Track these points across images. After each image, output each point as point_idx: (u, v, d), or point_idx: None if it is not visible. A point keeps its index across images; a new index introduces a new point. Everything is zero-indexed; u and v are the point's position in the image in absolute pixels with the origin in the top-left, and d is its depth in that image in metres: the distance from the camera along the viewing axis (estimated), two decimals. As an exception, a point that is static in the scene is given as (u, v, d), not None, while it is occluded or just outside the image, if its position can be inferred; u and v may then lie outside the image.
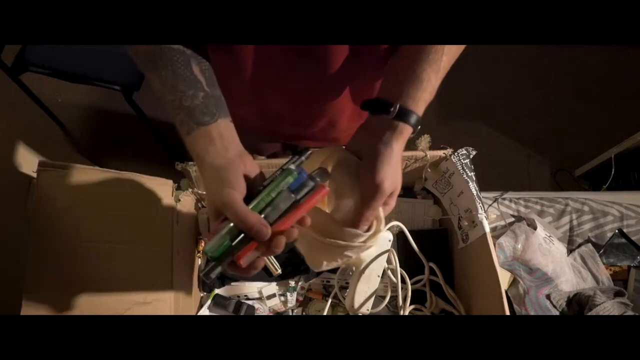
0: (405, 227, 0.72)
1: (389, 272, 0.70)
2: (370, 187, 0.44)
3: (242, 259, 0.38)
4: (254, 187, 0.42)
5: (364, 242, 0.46)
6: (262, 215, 0.39)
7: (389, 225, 0.71)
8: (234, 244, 0.38)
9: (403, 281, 0.70)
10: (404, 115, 0.45)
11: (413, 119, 0.45)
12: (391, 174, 0.44)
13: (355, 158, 0.47)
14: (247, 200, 0.40)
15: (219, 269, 0.38)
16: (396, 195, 0.47)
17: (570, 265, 0.82)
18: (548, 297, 0.76)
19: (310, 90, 0.61)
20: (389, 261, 0.70)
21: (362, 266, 0.65)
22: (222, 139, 0.43)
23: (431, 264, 0.72)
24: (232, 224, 0.38)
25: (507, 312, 0.58)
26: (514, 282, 0.78)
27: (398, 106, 0.45)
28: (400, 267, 0.70)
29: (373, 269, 0.66)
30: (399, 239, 0.74)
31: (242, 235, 0.38)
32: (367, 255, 0.64)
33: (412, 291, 0.70)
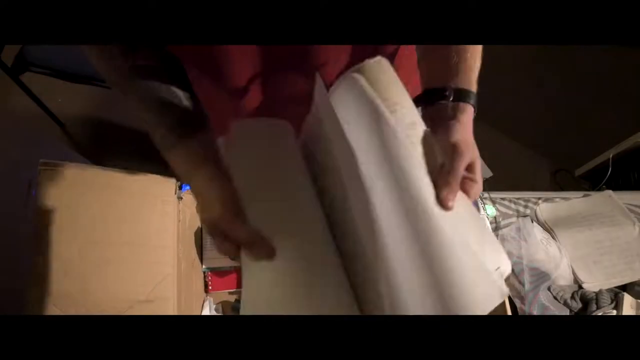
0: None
1: None
2: (446, 149, 0.39)
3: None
4: None
5: None
6: None
7: None
8: None
9: None
10: (462, 95, 0.42)
11: (472, 97, 0.42)
12: (466, 139, 0.40)
13: None
14: None
15: None
16: (478, 169, 0.41)
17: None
18: (549, 289, 0.76)
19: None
20: None
21: None
22: (207, 152, 0.42)
23: None
24: None
25: (509, 312, 0.58)
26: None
27: (452, 87, 0.42)
28: None
29: None
30: None
31: None
32: None
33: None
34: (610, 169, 1.37)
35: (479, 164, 0.41)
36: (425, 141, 0.39)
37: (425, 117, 0.44)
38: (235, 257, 0.39)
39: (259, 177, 0.41)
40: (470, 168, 0.40)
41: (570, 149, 1.77)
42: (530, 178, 1.76)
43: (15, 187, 0.73)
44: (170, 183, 0.69)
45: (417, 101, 0.45)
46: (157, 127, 0.42)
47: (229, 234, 0.37)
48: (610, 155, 1.46)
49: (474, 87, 0.43)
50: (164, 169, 0.69)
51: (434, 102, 0.44)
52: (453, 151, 0.39)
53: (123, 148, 1.68)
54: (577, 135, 1.80)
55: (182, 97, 0.44)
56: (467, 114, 0.42)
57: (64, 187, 0.61)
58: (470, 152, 0.40)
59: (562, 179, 1.75)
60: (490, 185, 0.87)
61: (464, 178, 0.39)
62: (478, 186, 0.40)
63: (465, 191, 0.39)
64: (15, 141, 0.80)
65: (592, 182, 1.68)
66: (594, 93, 1.88)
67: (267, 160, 0.43)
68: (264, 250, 0.37)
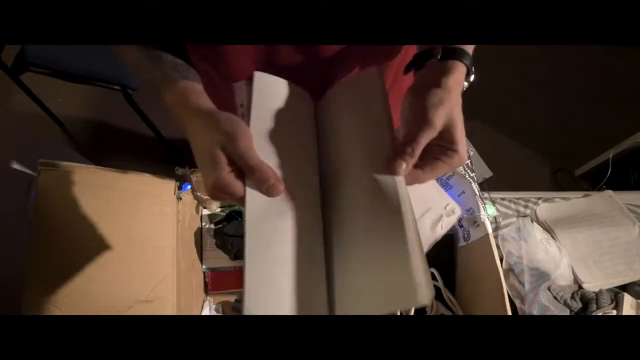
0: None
1: None
2: (417, 116, 0.37)
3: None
4: None
5: None
6: None
7: None
8: None
9: None
10: (451, 53, 0.39)
11: (464, 56, 0.39)
12: (444, 106, 0.37)
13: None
14: None
15: None
16: (459, 138, 0.38)
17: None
18: (549, 289, 0.76)
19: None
20: None
21: None
22: (205, 94, 0.42)
23: (432, 270, 0.72)
24: None
25: (509, 312, 0.58)
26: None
27: (442, 47, 0.40)
28: None
29: None
30: None
31: None
32: None
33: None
34: (610, 169, 1.37)
35: (459, 132, 0.38)
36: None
37: (415, 85, 0.41)
38: (236, 197, 0.36)
39: (273, 130, 0.41)
40: (449, 136, 0.37)
41: (570, 149, 1.77)
42: (530, 178, 1.76)
43: (15, 187, 0.73)
44: (170, 183, 0.69)
45: (407, 68, 0.44)
46: (156, 68, 0.43)
47: (238, 156, 0.35)
48: (610, 155, 1.46)
49: (468, 49, 0.41)
50: (164, 169, 0.69)
51: (422, 64, 0.41)
52: (423, 121, 0.36)
53: (123, 148, 1.68)
54: (577, 135, 1.80)
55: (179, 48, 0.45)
56: (455, 76, 0.39)
57: (63, 187, 0.61)
58: (442, 121, 0.37)
59: (562, 179, 1.75)
60: (490, 185, 0.87)
61: (438, 147, 0.38)
62: (459, 156, 0.38)
63: (442, 161, 0.38)
64: (15, 141, 0.80)
65: (592, 182, 1.68)
66: (594, 93, 1.88)
67: (284, 115, 0.43)
68: (272, 174, 0.36)
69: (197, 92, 0.42)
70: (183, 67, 0.43)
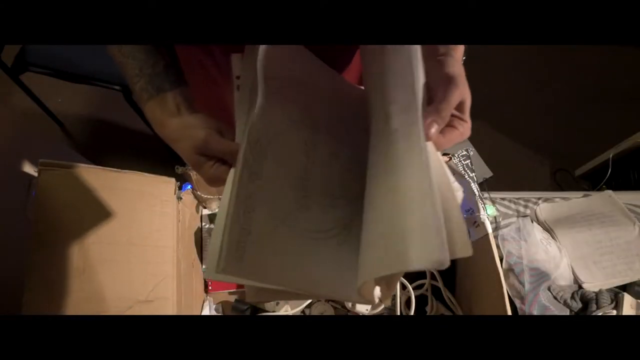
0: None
1: None
2: (441, 81, 0.37)
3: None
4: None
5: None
6: None
7: None
8: None
9: (404, 286, 0.70)
10: None
11: None
12: (461, 73, 0.38)
13: None
14: None
15: None
16: (468, 109, 0.39)
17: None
18: (549, 289, 0.76)
19: None
20: None
21: None
22: (185, 103, 0.43)
23: (432, 270, 0.72)
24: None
25: (509, 312, 0.58)
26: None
27: None
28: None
29: None
30: None
31: None
32: None
33: (415, 296, 0.70)
34: (610, 169, 1.37)
35: (468, 103, 0.39)
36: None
37: (428, 54, 0.41)
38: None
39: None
40: (460, 107, 0.39)
41: (570, 149, 1.77)
42: (530, 178, 1.76)
43: (15, 187, 0.73)
44: (170, 183, 0.69)
45: None
46: (137, 78, 0.43)
47: (219, 149, 0.38)
48: (610, 155, 1.46)
49: None
50: (164, 170, 0.69)
51: None
52: (448, 82, 0.37)
53: (123, 148, 1.68)
54: (577, 135, 1.80)
55: (164, 52, 0.45)
56: (459, 50, 0.41)
57: (63, 187, 0.61)
58: (464, 86, 0.38)
59: (562, 179, 1.75)
60: (490, 185, 0.87)
61: (453, 116, 0.38)
62: (467, 125, 0.39)
63: (454, 128, 0.39)
64: (15, 141, 0.80)
65: (592, 182, 1.68)
66: (594, 93, 1.88)
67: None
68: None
69: (166, 111, 0.43)
70: (158, 80, 0.44)
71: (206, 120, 0.41)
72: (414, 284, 0.72)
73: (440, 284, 0.71)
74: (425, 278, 0.72)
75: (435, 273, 0.71)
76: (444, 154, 0.73)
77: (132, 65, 0.44)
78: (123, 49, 0.44)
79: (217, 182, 0.39)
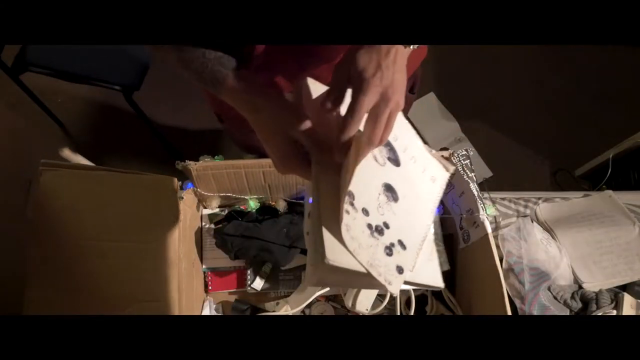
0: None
1: None
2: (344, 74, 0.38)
3: None
4: None
5: None
6: None
7: None
8: None
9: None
10: None
11: None
12: (371, 57, 0.38)
13: None
14: None
15: None
16: (397, 89, 0.39)
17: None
18: (549, 289, 0.76)
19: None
20: None
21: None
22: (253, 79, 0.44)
23: None
24: None
25: (509, 312, 0.58)
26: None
27: None
28: None
29: None
30: None
31: None
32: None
33: (415, 295, 0.70)
34: (610, 169, 1.37)
35: (395, 85, 0.38)
36: None
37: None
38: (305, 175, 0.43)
39: None
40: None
41: (570, 149, 1.77)
42: (530, 178, 1.76)
43: (15, 187, 0.73)
44: (171, 183, 0.69)
45: None
46: (203, 65, 0.43)
47: (299, 136, 0.42)
48: (610, 155, 1.46)
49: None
50: (164, 170, 0.69)
51: None
52: (359, 79, 0.38)
53: (123, 148, 1.68)
54: (577, 135, 1.80)
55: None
56: (398, 53, 0.40)
57: (63, 187, 0.61)
58: (375, 90, 0.38)
59: (562, 179, 1.75)
60: (490, 185, 0.87)
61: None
62: (394, 104, 0.38)
63: (381, 108, 0.38)
64: (15, 141, 0.80)
65: (592, 182, 1.68)
66: (594, 93, 1.88)
67: None
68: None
69: (247, 83, 0.44)
70: (225, 59, 0.44)
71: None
72: None
73: (440, 284, 0.71)
74: None
75: None
76: (443, 149, 0.73)
77: (197, 54, 0.43)
78: (184, 50, 0.44)
79: (292, 172, 0.44)
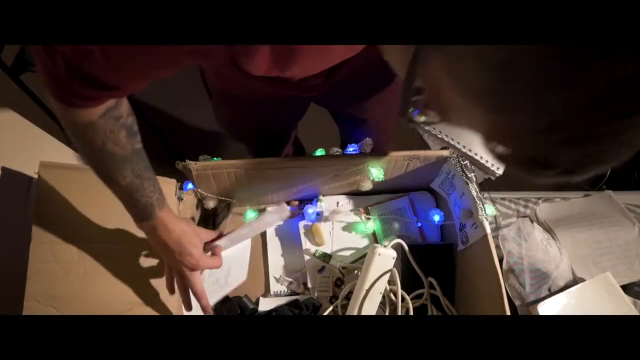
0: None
1: (390, 293, 0.71)
2: None
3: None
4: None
5: None
6: None
7: (392, 242, 0.70)
8: None
9: (402, 299, 0.70)
10: None
11: None
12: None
13: None
14: None
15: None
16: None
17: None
18: (549, 290, 0.76)
19: None
20: (391, 278, 0.70)
21: (367, 285, 0.66)
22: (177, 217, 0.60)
23: (430, 279, 0.72)
24: None
25: (508, 312, 0.58)
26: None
27: None
28: (403, 280, 0.70)
29: (376, 287, 0.67)
30: (403, 251, 0.73)
31: None
32: (372, 273, 0.66)
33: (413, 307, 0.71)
34: (609, 170, 1.37)
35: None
36: None
37: None
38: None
39: None
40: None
41: (570, 149, 1.77)
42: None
43: (15, 187, 0.73)
44: (171, 184, 0.69)
45: None
46: (154, 193, 0.55)
47: (189, 282, 0.62)
48: (610, 156, 1.46)
49: None
50: (164, 170, 0.69)
51: None
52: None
53: (123, 148, 1.68)
54: (577, 136, 1.79)
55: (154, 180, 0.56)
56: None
57: (63, 188, 0.61)
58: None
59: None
60: (490, 185, 0.87)
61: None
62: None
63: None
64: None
65: (592, 182, 1.68)
66: (594, 93, 1.88)
67: None
68: (207, 304, 0.65)
69: (165, 225, 0.58)
70: (161, 202, 0.57)
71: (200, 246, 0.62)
72: (412, 295, 0.72)
73: (438, 293, 0.71)
74: (424, 287, 0.72)
75: (435, 283, 0.71)
76: (443, 149, 0.73)
77: (148, 184, 0.54)
78: (137, 170, 0.52)
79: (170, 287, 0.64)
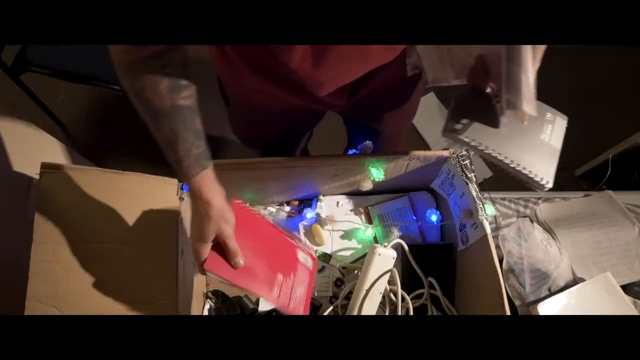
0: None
1: (390, 293, 0.71)
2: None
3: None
4: None
5: None
6: None
7: (392, 242, 0.70)
8: None
9: (402, 299, 0.70)
10: None
11: None
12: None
13: None
14: None
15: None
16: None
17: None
18: (549, 289, 0.76)
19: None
20: (391, 278, 0.70)
21: (367, 285, 0.66)
22: (216, 180, 0.54)
23: (430, 279, 0.72)
24: None
25: (508, 312, 0.58)
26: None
27: None
28: (403, 280, 0.70)
29: (376, 287, 0.67)
30: (403, 251, 0.73)
31: None
32: (372, 273, 0.66)
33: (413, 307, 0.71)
34: (610, 169, 1.37)
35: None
36: None
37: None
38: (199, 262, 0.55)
39: None
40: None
41: (570, 149, 1.77)
42: (530, 178, 1.76)
43: (15, 187, 0.73)
44: (171, 184, 0.69)
45: None
46: (186, 157, 0.50)
47: (225, 237, 0.55)
48: (610, 156, 1.46)
49: None
50: (165, 170, 0.69)
51: None
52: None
53: (123, 148, 1.68)
54: (577, 135, 1.79)
55: (203, 134, 0.52)
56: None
57: (64, 188, 0.61)
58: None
59: (562, 179, 1.75)
60: (490, 185, 0.87)
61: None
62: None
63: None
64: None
65: (592, 182, 1.68)
66: (594, 93, 1.88)
67: None
68: (240, 255, 0.57)
69: (209, 184, 0.53)
70: (202, 159, 0.52)
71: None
72: (412, 295, 0.72)
73: (438, 293, 0.71)
74: (424, 287, 0.72)
75: (434, 283, 0.71)
76: (443, 149, 0.73)
77: (182, 147, 0.49)
78: (174, 128, 0.48)
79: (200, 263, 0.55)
